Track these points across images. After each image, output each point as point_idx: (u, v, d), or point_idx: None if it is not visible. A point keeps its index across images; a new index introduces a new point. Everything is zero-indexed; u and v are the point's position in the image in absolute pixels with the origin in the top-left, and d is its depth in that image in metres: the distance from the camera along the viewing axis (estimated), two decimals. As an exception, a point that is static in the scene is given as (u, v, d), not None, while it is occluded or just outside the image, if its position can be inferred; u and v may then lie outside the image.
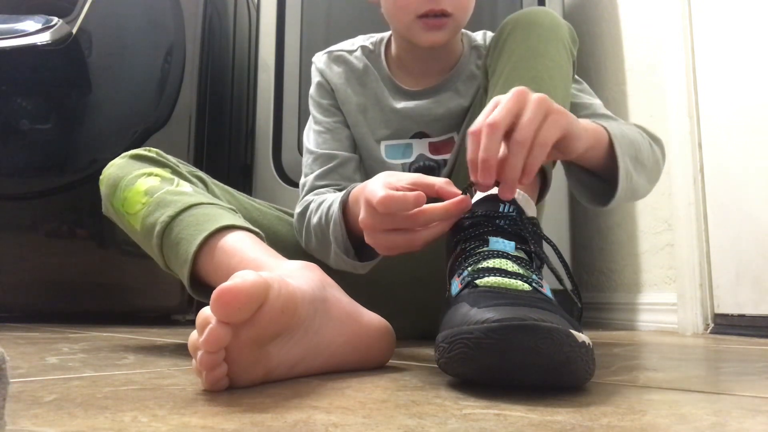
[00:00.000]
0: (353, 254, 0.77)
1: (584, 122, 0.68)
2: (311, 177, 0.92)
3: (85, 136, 1.54)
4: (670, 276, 1.47)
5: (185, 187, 0.79)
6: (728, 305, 1.29)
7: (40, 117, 1.54)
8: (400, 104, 0.94)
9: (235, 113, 1.88)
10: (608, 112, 0.90)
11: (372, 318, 0.62)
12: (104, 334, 1.06)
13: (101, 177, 0.83)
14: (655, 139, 0.85)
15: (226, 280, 0.67)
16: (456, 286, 0.56)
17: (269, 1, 1.69)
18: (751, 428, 0.35)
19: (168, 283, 1.47)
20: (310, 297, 0.52)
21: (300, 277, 0.56)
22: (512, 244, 0.57)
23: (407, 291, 0.90)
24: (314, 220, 0.83)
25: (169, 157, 0.85)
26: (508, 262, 0.55)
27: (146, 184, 0.78)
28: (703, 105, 1.38)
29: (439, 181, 0.62)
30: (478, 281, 0.53)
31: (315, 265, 0.62)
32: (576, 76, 0.92)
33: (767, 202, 1.22)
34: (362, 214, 0.62)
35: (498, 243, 0.57)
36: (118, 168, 0.82)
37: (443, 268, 0.65)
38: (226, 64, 1.82)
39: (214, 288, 0.71)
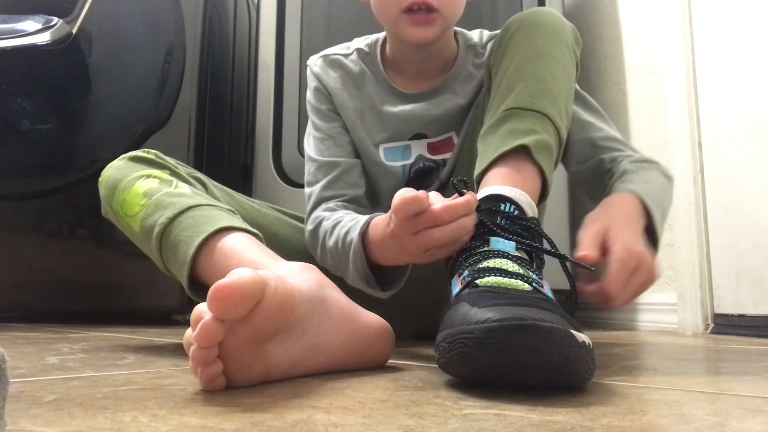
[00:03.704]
0: (374, 283, 0.76)
1: (628, 203, 0.76)
2: (317, 187, 0.90)
3: (85, 136, 1.54)
4: (670, 276, 1.47)
5: (184, 188, 0.79)
6: (728, 305, 1.29)
7: (40, 117, 1.54)
8: (398, 108, 0.93)
9: (235, 113, 1.88)
10: (620, 136, 0.92)
11: (371, 318, 0.62)
12: (104, 334, 1.06)
13: (100, 179, 0.83)
14: (669, 179, 0.89)
15: None
16: (456, 286, 0.56)
17: (269, 1, 1.69)
18: (751, 428, 0.35)
19: (168, 283, 1.47)
20: (308, 296, 0.52)
21: (298, 276, 0.56)
22: (513, 244, 0.57)
23: (407, 291, 0.90)
24: (330, 243, 0.82)
25: (168, 158, 0.84)
26: (509, 262, 0.55)
27: (145, 186, 0.78)
28: (703, 105, 1.38)
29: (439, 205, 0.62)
30: (478, 281, 0.53)
31: (313, 266, 0.62)
32: (586, 96, 0.93)
33: (767, 202, 1.22)
34: (392, 226, 0.63)
35: (498, 243, 0.57)
36: (116, 170, 0.82)
37: (443, 268, 0.65)
38: (226, 64, 1.81)
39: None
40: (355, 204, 0.90)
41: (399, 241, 0.64)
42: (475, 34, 0.97)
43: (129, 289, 1.50)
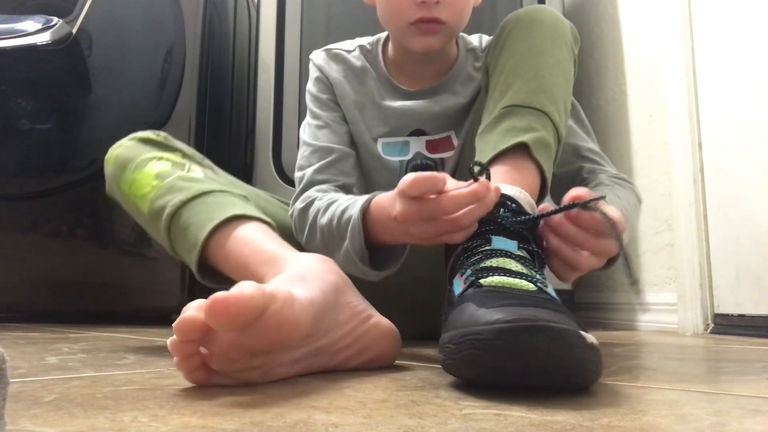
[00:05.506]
0: (368, 262, 0.74)
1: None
2: (310, 170, 0.90)
3: (85, 136, 1.54)
4: (670, 276, 1.47)
5: (196, 173, 0.79)
6: (728, 305, 1.29)
7: (40, 117, 1.54)
8: (397, 103, 0.94)
9: (235, 113, 1.88)
10: (601, 152, 0.92)
11: (380, 321, 0.61)
12: (104, 334, 1.06)
13: (107, 157, 0.83)
14: (639, 201, 0.88)
15: (237, 268, 0.67)
16: (459, 285, 0.56)
17: (269, 1, 1.69)
18: (751, 428, 0.35)
19: (168, 283, 1.47)
20: (319, 309, 0.52)
21: (314, 279, 0.55)
22: (515, 243, 0.57)
23: (407, 290, 0.90)
24: (322, 220, 0.80)
25: (178, 142, 0.85)
26: (511, 261, 0.55)
27: (157, 168, 0.78)
28: (703, 105, 1.38)
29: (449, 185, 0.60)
30: (482, 280, 0.53)
31: (330, 260, 0.62)
32: (578, 106, 0.93)
33: (767, 202, 1.22)
34: (399, 207, 0.61)
35: (500, 242, 0.57)
36: (126, 149, 0.82)
37: (443, 267, 0.64)
38: (226, 64, 1.81)
39: (222, 274, 0.72)
40: (345, 192, 0.89)
41: (403, 227, 0.62)
42: (474, 39, 0.99)
43: (129, 289, 1.50)
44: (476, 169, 0.59)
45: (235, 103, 1.87)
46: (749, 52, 1.28)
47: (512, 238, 0.57)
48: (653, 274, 1.54)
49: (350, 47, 0.99)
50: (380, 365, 0.61)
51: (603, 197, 0.60)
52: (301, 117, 1.60)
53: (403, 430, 0.33)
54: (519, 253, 0.56)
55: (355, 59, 0.98)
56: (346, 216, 0.75)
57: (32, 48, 1.51)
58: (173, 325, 0.46)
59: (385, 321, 0.62)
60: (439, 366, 0.62)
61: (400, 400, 0.43)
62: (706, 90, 1.38)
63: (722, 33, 1.35)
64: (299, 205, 0.87)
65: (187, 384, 0.49)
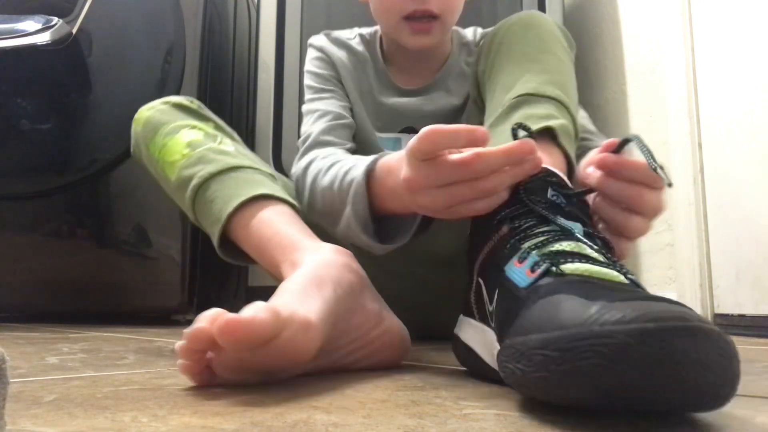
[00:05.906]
0: (372, 232, 0.67)
1: None
2: (315, 131, 0.84)
3: (85, 136, 1.54)
4: (670, 276, 1.47)
5: (228, 146, 0.78)
6: (728, 305, 1.29)
7: (40, 117, 1.54)
8: (391, 100, 0.94)
9: (235, 113, 1.87)
10: (594, 129, 0.90)
11: (392, 324, 0.61)
12: (104, 334, 1.06)
13: (137, 116, 0.82)
14: None
15: (257, 248, 0.67)
16: (521, 274, 0.44)
17: (269, 1, 1.69)
18: (752, 428, 0.35)
19: (168, 283, 1.47)
20: (331, 323, 0.51)
21: (330, 283, 0.54)
22: (578, 225, 0.47)
23: (407, 291, 0.90)
24: (323, 181, 0.73)
25: (210, 112, 0.84)
26: (584, 246, 0.44)
27: (190, 137, 0.77)
28: (703, 105, 1.38)
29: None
30: (563, 267, 0.42)
31: (349, 253, 0.61)
32: None
33: (767, 202, 1.22)
34: (407, 172, 0.53)
35: (561, 222, 0.46)
36: (159, 113, 0.81)
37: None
38: (226, 64, 1.81)
39: (242, 251, 0.71)
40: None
41: (411, 195, 0.54)
42: (468, 32, 0.97)
43: (129, 289, 1.50)
44: (521, 134, 0.49)
45: (235, 103, 1.87)
46: (749, 52, 1.28)
47: (569, 219, 0.47)
48: (653, 274, 1.54)
49: (350, 35, 0.98)
50: (387, 365, 0.61)
51: (636, 137, 0.52)
52: (301, 117, 1.60)
53: (403, 430, 0.33)
54: (586, 238, 0.45)
55: (357, 45, 0.97)
56: (348, 178, 0.68)
57: (32, 48, 1.51)
58: (184, 331, 0.46)
59: (396, 324, 0.61)
60: (440, 366, 0.62)
61: (400, 400, 0.43)
62: (706, 90, 1.38)
63: (722, 33, 1.35)
64: (302, 162, 0.81)
65: (187, 384, 0.49)
